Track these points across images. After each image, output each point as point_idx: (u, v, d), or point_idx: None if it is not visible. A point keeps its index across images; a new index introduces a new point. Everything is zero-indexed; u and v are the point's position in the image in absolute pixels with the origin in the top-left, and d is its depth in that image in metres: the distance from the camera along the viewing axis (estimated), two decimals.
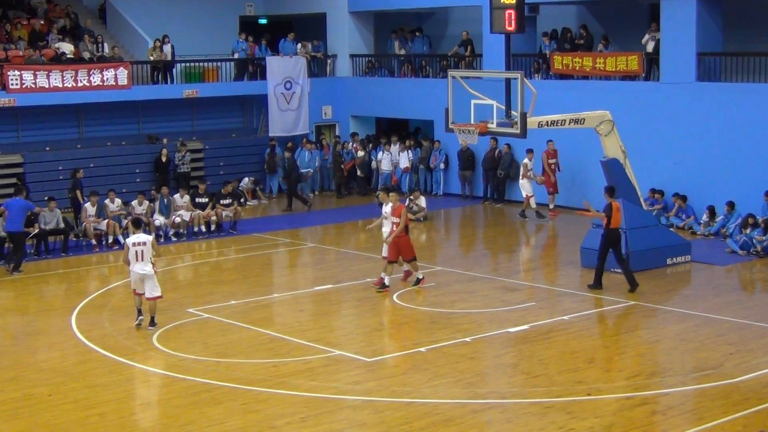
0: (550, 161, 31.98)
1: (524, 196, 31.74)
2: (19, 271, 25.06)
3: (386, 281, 22.60)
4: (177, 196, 30.03)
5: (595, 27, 34.16)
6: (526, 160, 31.70)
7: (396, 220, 22.48)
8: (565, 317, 20.31)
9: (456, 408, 15.43)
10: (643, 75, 30.80)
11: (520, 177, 31.96)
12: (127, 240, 20.33)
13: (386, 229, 23.08)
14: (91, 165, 32.11)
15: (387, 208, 23.20)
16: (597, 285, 22.47)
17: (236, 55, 38.33)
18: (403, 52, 38.93)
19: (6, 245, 26.03)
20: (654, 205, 28.73)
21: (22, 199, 25.81)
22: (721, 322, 19.77)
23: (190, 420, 15.09)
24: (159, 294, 19.91)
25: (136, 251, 19.64)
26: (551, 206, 32.01)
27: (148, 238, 20.05)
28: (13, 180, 31.59)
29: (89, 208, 27.83)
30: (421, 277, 22.95)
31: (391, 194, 23.35)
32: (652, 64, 30.80)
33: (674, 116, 29.67)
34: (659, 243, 24.52)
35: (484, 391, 16.26)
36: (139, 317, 20.02)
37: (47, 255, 26.92)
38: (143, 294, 19.87)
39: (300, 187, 35.34)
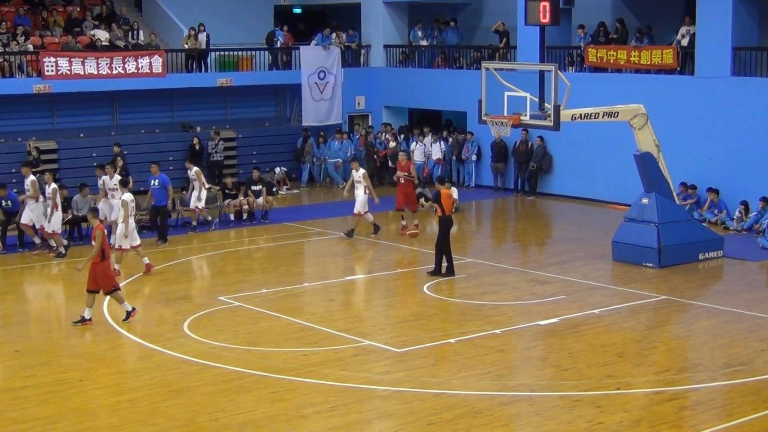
0: (399, 174, 28.20)
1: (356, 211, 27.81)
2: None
3: (86, 314, 19.58)
4: (106, 177, 26.73)
5: (631, 20, 33.99)
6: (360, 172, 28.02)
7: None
8: (595, 311, 20.27)
9: (484, 400, 15.44)
10: (678, 69, 30.64)
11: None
12: None
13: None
14: (125, 152, 32.29)
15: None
16: (449, 272, 22.86)
17: (279, 43, 38.48)
18: (425, 42, 38.91)
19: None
20: (687, 200, 28.61)
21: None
22: (752, 318, 19.67)
23: (220, 407, 15.17)
24: None
25: None
26: (403, 222, 28.00)
27: None
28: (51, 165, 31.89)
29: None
30: (130, 309, 19.79)
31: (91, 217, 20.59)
32: (687, 58, 30.63)
33: (709, 111, 29.51)
34: (692, 238, 24.40)
35: (513, 383, 16.25)
36: None
37: (80, 241, 27.06)
38: None
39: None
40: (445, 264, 22.94)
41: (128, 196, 23.56)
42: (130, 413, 15.06)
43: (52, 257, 25.30)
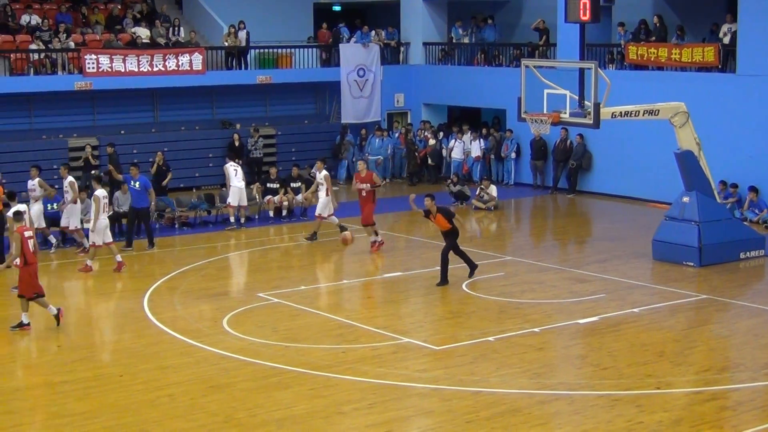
0: (359, 186, 26.07)
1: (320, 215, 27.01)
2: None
3: (24, 319, 19.12)
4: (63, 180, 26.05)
5: (671, 17, 33.79)
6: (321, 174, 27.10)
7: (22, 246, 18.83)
8: (635, 310, 20.16)
9: (523, 398, 15.39)
10: (720, 66, 30.41)
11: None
12: (10, 212, 20.96)
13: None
14: (165, 149, 32.45)
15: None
16: (444, 281, 22.20)
17: (353, 40, 38.66)
18: (466, 40, 38.89)
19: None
20: (728, 198, 28.40)
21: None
22: None
23: (258, 403, 15.20)
24: None
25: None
26: (372, 238, 25.93)
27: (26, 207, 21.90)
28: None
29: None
30: (26, 322, 19.06)
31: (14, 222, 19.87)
32: (728, 55, 30.40)
33: (750, 109, 29.28)
34: (733, 236, 24.22)
35: (552, 382, 16.19)
36: None
37: (121, 237, 27.16)
38: None
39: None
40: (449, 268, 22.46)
41: (101, 192, 23.83)
42: (169, 408, 15.14)
43: None
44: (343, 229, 26.93)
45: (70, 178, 25.67)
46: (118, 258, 23.88)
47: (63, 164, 27.03)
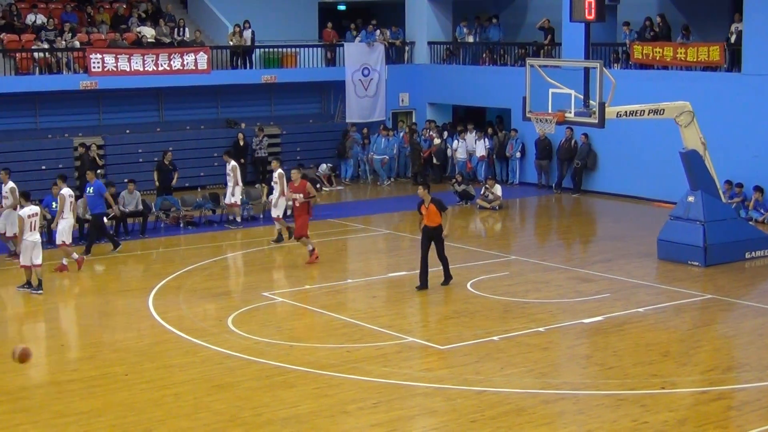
0: (292, 196, 24.45)
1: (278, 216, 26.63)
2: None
3: None
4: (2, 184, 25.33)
5: (676, 16, 33.75)
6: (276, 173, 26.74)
7: None
8: (640, 309, 20.14)
9: (528, 398, 15.38)
10: (725, 66, 30.37)
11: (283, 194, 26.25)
12: (21, 212, 21.48)
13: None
14: (170, 148, 32.46)
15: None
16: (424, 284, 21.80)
17: (358, 40, 38.76)
18: (471, 39, 38.89)
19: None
20: (733, 198, 28.38)
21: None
22: None
23: (263, 403, 15.21)
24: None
25: (31, 222, 21.33)
26: (309, 247, 24.52)
27: (38, 209, 22.09)
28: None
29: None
30: None
31: None
32: (734, 54, 30.36)
33: (756, 108, 29.23)
34: (738, 236, 24.18)
35: (557, 381, 16.18)
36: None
37: (126, 236, 27.22)
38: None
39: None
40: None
41: (66, 191, 23.67)
42: (174, 407, 15.14)
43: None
44: (279, 240, 26.57)
45: (11, 184, 24.90)
46: (64, 261, 23.61)
47: (3, 168, 25.95)
